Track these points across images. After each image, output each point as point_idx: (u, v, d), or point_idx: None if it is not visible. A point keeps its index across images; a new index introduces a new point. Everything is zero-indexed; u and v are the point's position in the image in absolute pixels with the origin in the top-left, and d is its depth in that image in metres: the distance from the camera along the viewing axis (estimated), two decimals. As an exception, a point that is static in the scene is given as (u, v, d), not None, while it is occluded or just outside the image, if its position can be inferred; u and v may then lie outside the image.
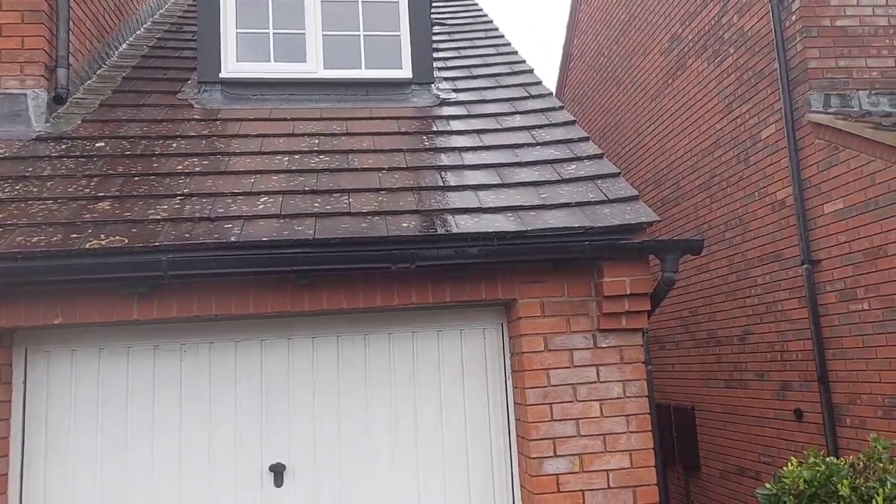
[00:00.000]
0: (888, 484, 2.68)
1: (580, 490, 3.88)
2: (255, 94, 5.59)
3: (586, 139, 4.97)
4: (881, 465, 2.90)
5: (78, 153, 4.52)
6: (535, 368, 3.96)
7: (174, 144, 4.76)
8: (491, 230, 3.85)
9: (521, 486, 4.10)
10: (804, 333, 6.42)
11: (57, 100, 4.95)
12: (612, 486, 3.91)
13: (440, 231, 3.83)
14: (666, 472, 8.91)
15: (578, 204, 4.14)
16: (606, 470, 3.92)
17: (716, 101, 7.92)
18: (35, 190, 4.07)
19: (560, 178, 4.45)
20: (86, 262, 3.47)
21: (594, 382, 3.99)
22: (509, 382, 4.25)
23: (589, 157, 4.70)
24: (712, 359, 8.21)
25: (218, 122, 5.16)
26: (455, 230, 3.84)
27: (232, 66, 5.60)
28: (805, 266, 6.29)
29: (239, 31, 5.67)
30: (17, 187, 4.08)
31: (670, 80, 9.00)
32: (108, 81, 5.71)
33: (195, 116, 5.22)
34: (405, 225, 3.91)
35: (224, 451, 3.99)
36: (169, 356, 4.02)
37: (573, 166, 4.61)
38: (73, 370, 3.92)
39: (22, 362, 3.87)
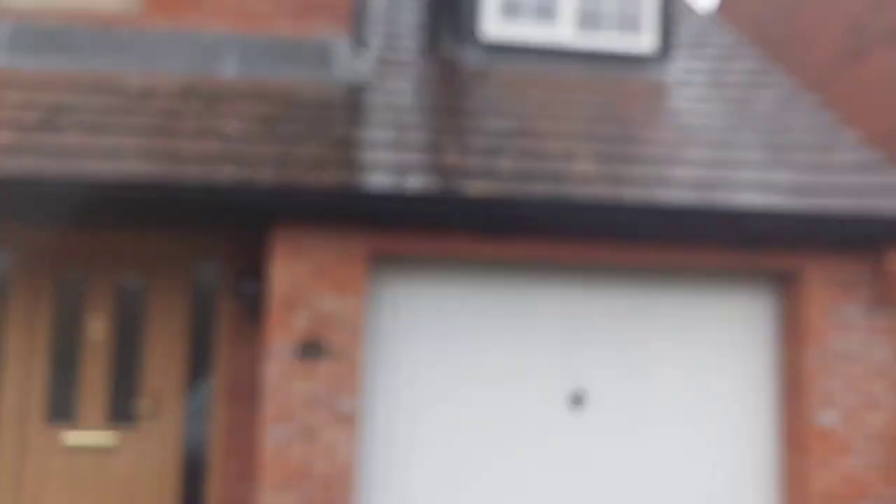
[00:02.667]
0: None
1: (846, 439, 4.44)
2: (510, 56, 6.02)
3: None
4: None
5: (403, 104, 5.07)
6: (817, 334, 4.50)
7: (468, 104, 5.26)
8: (801, 210, 4.35)
9: (788, 430, 4.67)
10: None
11: (361, 44, 5.43)
12: (871, 435, 4.46)
13: (762, 206, 4.34)
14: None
15: (860, 193, 4.59)
16: (871, 424, 4.47)
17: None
18: (396, 135, 4.68)
19: (832, 166, 4.89)
20: (469, 205, 4.06)
21: (865, 350, 4.51)
22: (778, 344, 4.79)
23: (849, 143, 5.12)
24: None
25: (493, 82, 5.64)
26: (772, 206, 4.34)
27: (492, 29, 6.05)
28: None
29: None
30: (389, 130, 4.69)
31: (846, 66, 9.22)
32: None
33: (460, 71, 5.71)
34: (717, 197, 4.41)
35: (533, 374, 4.63)
36: (493, 288, 4.62)
37: (843, 155, 5.04)
38: (417, 292, 4.58)
39: (371, 280, 4.52)
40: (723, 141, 5.12)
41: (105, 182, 3.96)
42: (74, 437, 5.02)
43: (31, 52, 5.23)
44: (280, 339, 4.15)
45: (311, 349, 4.12)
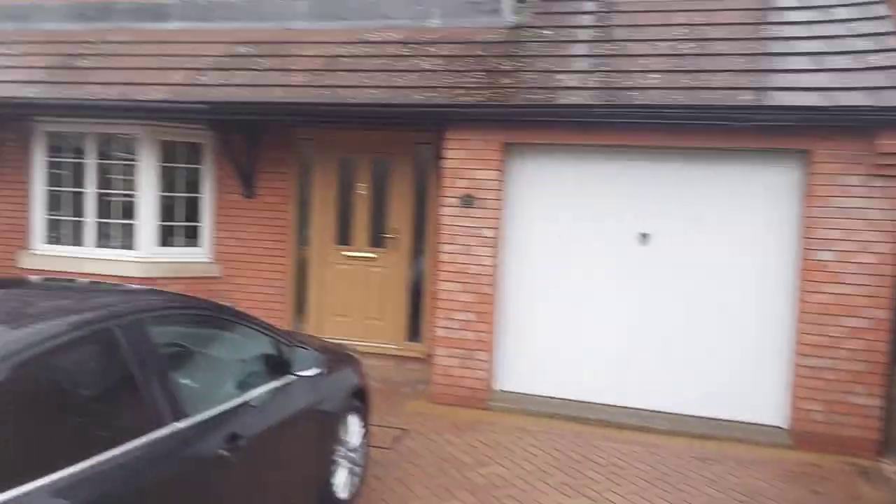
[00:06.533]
0: None
1: (837, 272, 6.21)
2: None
3: (893, 33, 6.61)
4: None
5: (540, 39, 7.47)
6: (822, 195, 6.22)
7: (587, 33, 7.45)
8: (809, 104, 6.05)
9: (799, 267, 6.52)
10: None
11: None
12: (861, 272, 6.16)
13: (777, 103, 6.13)
14: None
15: (871, 88, 6.06)
16: (861, 263, 6.16)
17: None
18: (528, 62, 7.15)
19: (864, 67, 6.32)
20: (570, 109, 6.49)
21: (861, 208, 6.13)
22: (795, 202, 6.55)
23: (892, 50, 6.42)
24: None
25: (613, 14, 7.70)
26: (786, 103, 6.11)
27: (623, -31, 8.00)
28: None
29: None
30: (524, 59, 7.20)
31: None
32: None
33: (592, 9, 7.82)
34: (746, 98, 6.24)
35: (612, 222, 6.99)
36: (587, 162, 7.00)
37: (876, 57, 6.40)
38: (535, 167, 7.12)
39: (505, 160, 7.12)
40: (784, 51, 6.73)
41: (361, 104, 7.06)
42: (351, 253, 8.54)
43: (319, 18, 8.48)
44: (450, 195, 7.04)
45: (468, 200, 6.96)
